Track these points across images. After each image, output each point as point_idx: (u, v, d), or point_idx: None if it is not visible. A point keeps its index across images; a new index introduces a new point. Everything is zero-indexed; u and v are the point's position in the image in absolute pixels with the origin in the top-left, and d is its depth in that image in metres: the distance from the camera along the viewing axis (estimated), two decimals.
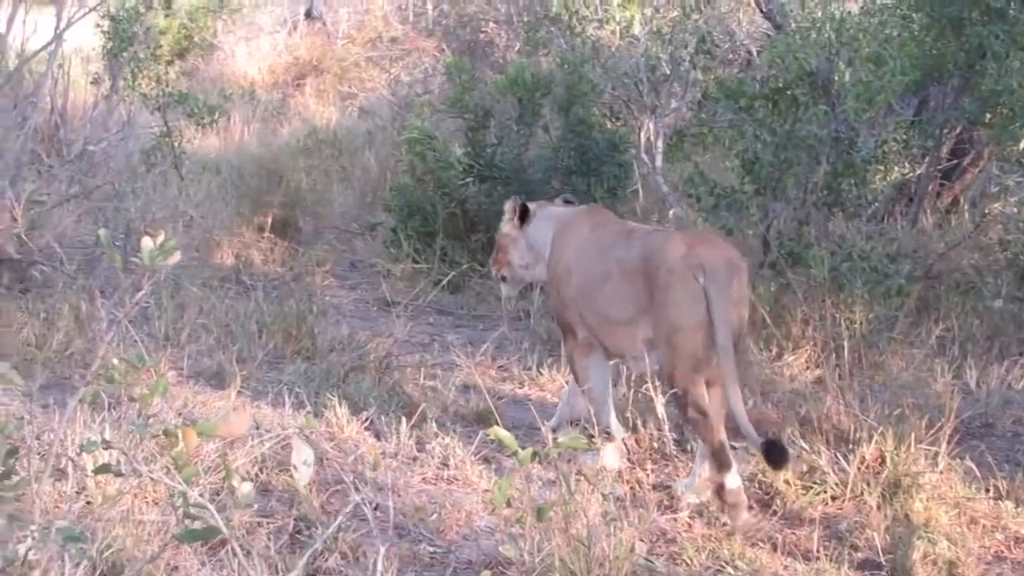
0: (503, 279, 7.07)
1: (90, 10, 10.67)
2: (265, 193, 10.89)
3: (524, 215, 6.80)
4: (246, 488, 3.72)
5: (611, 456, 4.83)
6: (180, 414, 6.49)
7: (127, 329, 6.67)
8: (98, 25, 11.37)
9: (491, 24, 15.90)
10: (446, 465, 6.30)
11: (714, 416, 5.89)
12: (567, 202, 6.95)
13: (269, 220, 10.36)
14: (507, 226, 6.89)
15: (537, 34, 11.94)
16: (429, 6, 16.91)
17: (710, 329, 5.79)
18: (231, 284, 9.20)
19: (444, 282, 9.40)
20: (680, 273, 5.87)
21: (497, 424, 4.67)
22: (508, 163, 9.93)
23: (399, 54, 16.55)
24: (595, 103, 10.32)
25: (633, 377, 6.94)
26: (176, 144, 11.50)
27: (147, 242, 3.99)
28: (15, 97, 9.31)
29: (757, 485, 6.18)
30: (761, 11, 10.57)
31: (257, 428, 6.14)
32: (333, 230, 11.12)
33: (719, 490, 5.85)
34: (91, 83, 11.98)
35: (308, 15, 18.31)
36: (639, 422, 6.54)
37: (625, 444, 6.38)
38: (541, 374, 7.73)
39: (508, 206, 6.90)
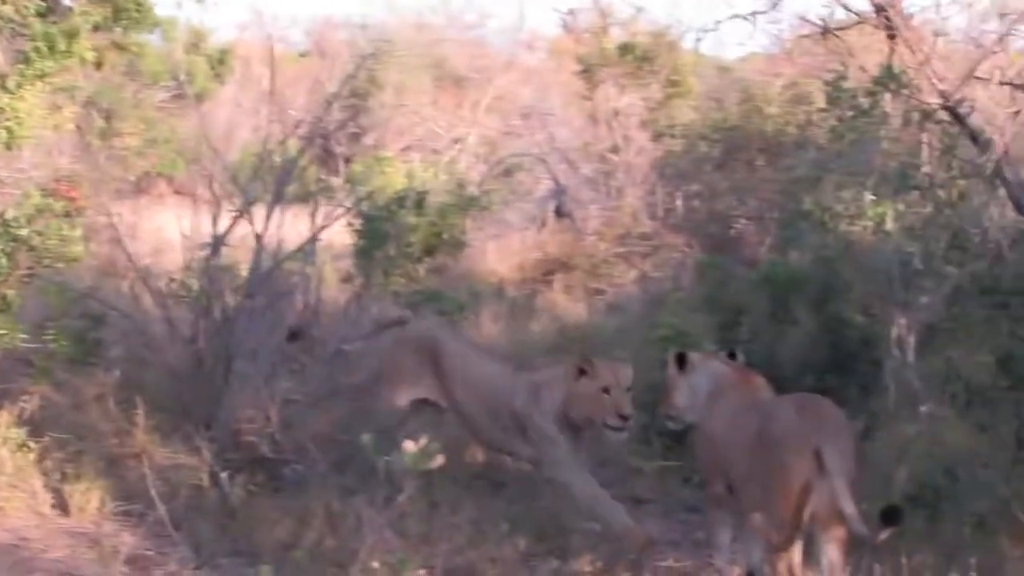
0: (669, 418, 7.73)
1: (348, 210, 11.10)
2: None
3: (682, 362, 7.54)
4: None
5: None
6: None
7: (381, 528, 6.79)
8: (350, 224, 11.73)
9: (741, 220, 15.95)
10: None
11: None
12: (731, 355, 7.71)
13: None
14: (670, 371, 7.64)
15: (788, 231, 11.97)
16: (679, 202, 17.05)
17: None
18: (482, 480, 9.31)
19: (696, 479, 9.34)
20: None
21: None
22: (760, 360, 9.85)
23: (648, 250, 16.66)
24: (849, 300, 10.25)
25: None
26: None
27: (409, 445, 4.16)
28: (270, 297, 9.58)
29: None
30: (1016, 207, 10.36)
31: None
32: None
33: None
34: (342, 280, 12.38)
35: (558, 212, 18.56)
36: None
37: None
38: None
39: (669, 356, 7.70)
